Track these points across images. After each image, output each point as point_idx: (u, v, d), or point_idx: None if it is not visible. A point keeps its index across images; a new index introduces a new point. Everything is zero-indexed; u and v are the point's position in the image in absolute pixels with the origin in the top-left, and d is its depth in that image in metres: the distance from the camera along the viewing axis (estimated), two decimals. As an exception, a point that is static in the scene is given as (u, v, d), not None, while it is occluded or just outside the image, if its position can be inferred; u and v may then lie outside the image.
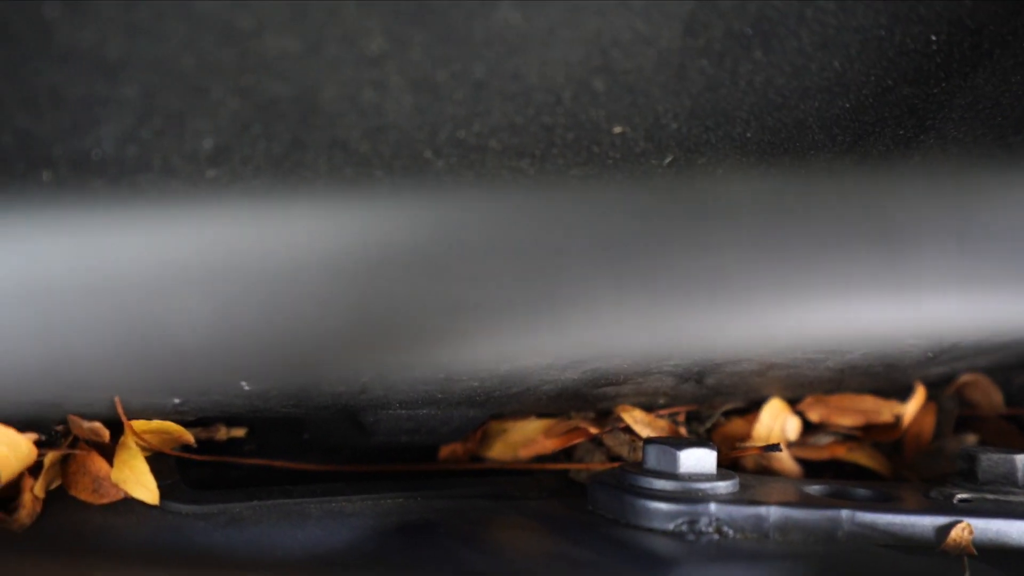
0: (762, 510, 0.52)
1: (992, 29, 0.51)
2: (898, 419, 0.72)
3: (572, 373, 0.55)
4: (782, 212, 0.36)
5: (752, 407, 0.73)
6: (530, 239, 0.34)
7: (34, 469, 0.51)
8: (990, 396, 0.74)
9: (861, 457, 0.73)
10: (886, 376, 0.71)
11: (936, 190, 0.39)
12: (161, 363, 0.43)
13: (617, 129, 0.50)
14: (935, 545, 0.52)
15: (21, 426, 0.49)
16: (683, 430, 0.70)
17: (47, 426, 0.52)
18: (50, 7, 0.35)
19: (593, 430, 0.67)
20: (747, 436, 0.71)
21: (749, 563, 0.48)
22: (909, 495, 0.57)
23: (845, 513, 0.53)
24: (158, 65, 0.39)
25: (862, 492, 0.59)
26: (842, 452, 0.73)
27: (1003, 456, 0.58)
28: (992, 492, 0.57)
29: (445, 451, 0.70)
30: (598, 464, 0.67)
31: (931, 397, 0.74)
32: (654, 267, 0.34)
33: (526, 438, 0.69)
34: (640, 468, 0.56)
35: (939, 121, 0.57)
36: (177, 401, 0.52)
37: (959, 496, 0.56)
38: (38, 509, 0.50)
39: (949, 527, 0.52)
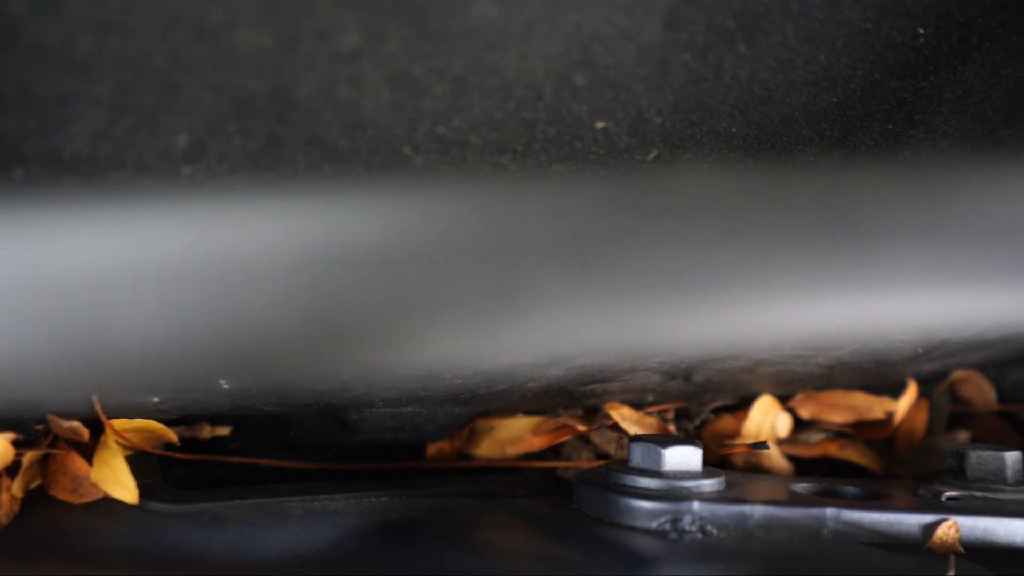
0: (746, 508, 0.52)
1: (981, 22, 0.50)
2: (890, 416, 0.72)
3: (557, 370, 0.55)
4: (765, 207, 0.36)
5: (742, 404, 0.72)
6: (505, 236, 0.34)
7: (13, 469, 0.50)
8: (983, 392, 0.74)
9: (852, 454, 0.72)
10: (877, 372, 0.70)
11: (921, 185, 0.38)
12: (138, 361, 0.42)
13: (599, 124, 0.49)
14: (922, 543, 0.52)
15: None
16: (672, 427, 0.69)
17: (26, 425, 0.52)
18: (16, 3, 0.35)
19: (581, 428, 0.67)
20: (737, 433, 0.71)
21: (731, 561, 0.48)
22: (897, 493, 0.57)
23: (830, 511, 0.52)
24: (130, 62, 0.38)
25: (850, 490, 0.58)
26: (833, 449, 0.72)
27: (992, 453, 0.57)
28: (981, 490, 0.56)
29: (432, 449, 0.69)
30: (586, 462, 0.67)
31: (923, 393, 0.74)
32: (633, 263, 0.34)
33: (513, 436, 0.68)
34: (625, 466, 0.56)
35: (928, 115, 0.56)
36: (156, 400, 0.51)
37: (947, 494, 0.56)
38: (16, 509, 0.50)
39: (935, 525, 0.52)
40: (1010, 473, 0.57)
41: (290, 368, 0.45)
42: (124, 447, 0.55)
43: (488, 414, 0.70)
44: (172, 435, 0.57)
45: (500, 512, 0.57)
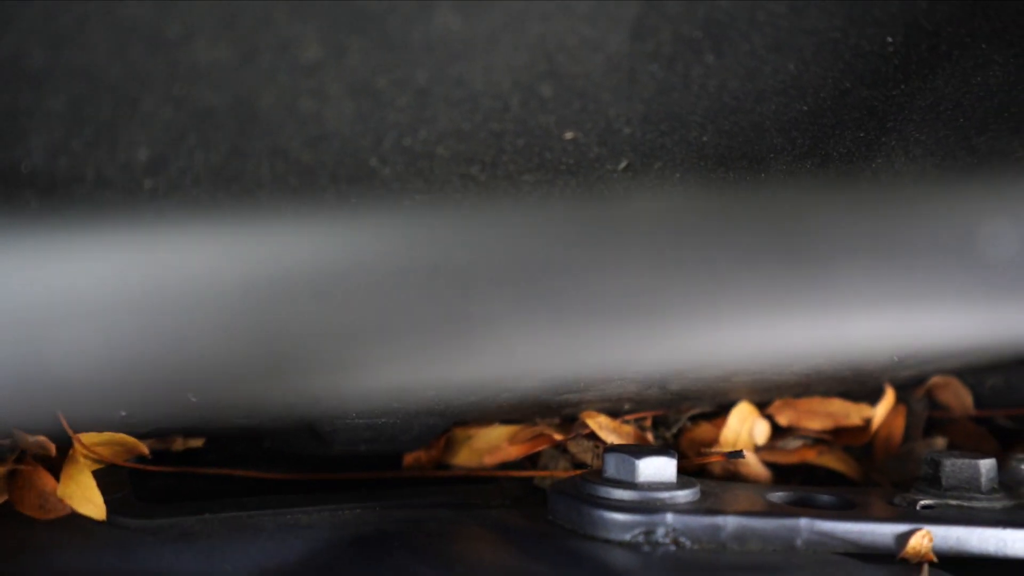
0: (719, 520, 0.51)
1: (949, 31, 0.50)
2: (867, 422, 0.72)
3: (529, 382, 0.55)
4: (735, 223, 0.35)
5: (720, 411, 0.72)
6: (466, 258, 0.34)
7: (-22, 485, 0.50)
8: (960, 398, 0.74)
9: (831, 461, 0.72)
10: (854, 379, 0.70)
11: (886, 202, 0.38)
12: (101, 376, 0.42)
13: (568, 135, 0.49)
14: (895, 553, 0.52)
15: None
16: (650, 435, 0.69)
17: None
18: (-34, 17, 0.35)
19: (558, 436, 0.67)
20: (715, 440, 0.70)
21: (704, 574, 0.48)
22: (872, 501, 0.57)
23: (804, 521, 0.52)
24: (85, 74, 0.38)
25: (825, 499, 0.58)
26: (812, 456, 0.72)
27: (967, 461, 0.57)
28: (955, 498, 0.56)
29: (409, 458, 0.69)
30: (562, 471, 0.66)
31: (901, 399, 0.74)
32: (599, 284, 0.33)
33: (490, 445, 0.68)
34: (599, 477, 0.55)
35: (900, 123, 0.56)
36: (123, 413, 0.51)
37: (922, 502, 0.56)
38: (-19, 526, 0.49)
39: (909, 534, 0.52)
40: (984, 481, 0.57)
41: (259, 383, 0.45)
42: (94, 460, 0.55)
43: (465, 423, 0.69)
44: (143, 448, 0.56)
45: (474, 524, 0.57)
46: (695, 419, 0.72)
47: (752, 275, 0.32)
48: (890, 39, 0.49)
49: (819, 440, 0.73)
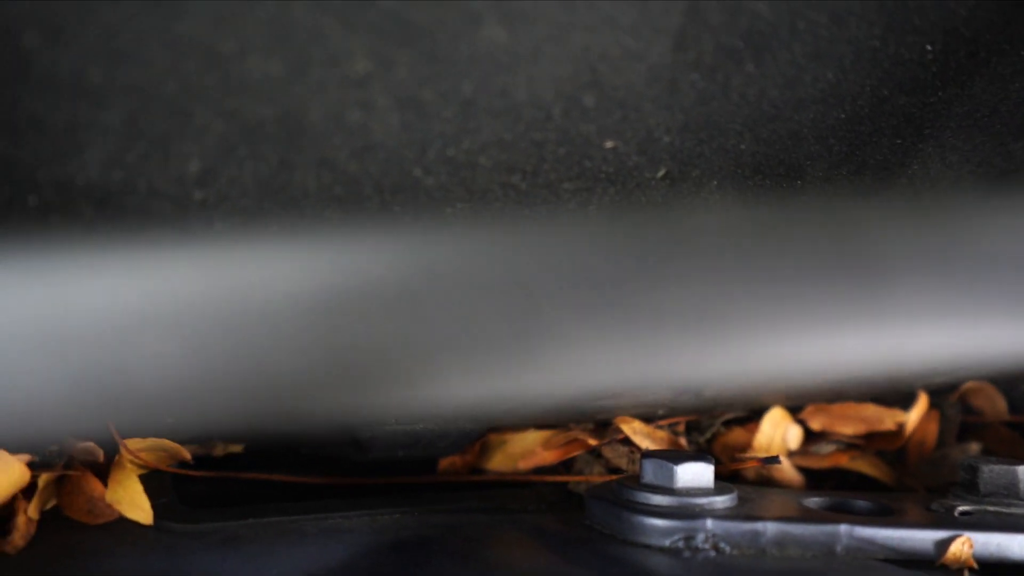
0: (759, 526, 0.52)
1: (988, 37, 0.50)
2: (901, 427, 0.72)
3: (578, 392, 0.55)
4: (767, 239, 0.36)
5: (753, 416, 0.72)
6: (502, 276, 0.34)
7: (28, 490, 0.51)
8: (994, 403, 0.74)
9: (864, 466, 0.72)
10: (888, 385, 0.70)
11: (930, 219, 0.38)
12: (152, 395, 0.43)
13: (609, 144, 0.49)
14: (935, 559, 0.52)
15: (13, 447, 0.49)
16: (683, 440, 0.69)
17: (41, 447, 0.52)
18: (29, 37, 0.35)
19: (592, 442, 0.67)
20: (748, 445, 0.70)
21: (745, 581, 0.48)
22: (910, 507, 0.57)
23: (844, 528, 0.52)
24: (141, 90, 0.39)
25: (862, 504, 0.58)
26: (844, 461, 0.72)
27: (1005, 467, 0.57)
28: (993, 504, 0.56)
29: (444, 463, 0.69)
30: (597, 476, 0.67)
31: (934, 404, 0.74)
32: (643, 301, 0.34)
33: (525, 450, 0.68)
34: (637, 482, 0.56)
35: (937, 129, 0.56)
36: (171, 421, 0.51)
37: (960, 509, 0.56)
38: (32, 531, 0.50)
39: (949, 541, 0.52)
40: (1022, 487, 0.56)
41: (301, 401, 0.45)
42: (138, 466, 0.55)
43: (500, 429, 0.70)
44: (186, 453, 0.57)
45: (512, 529, 0.58)
46: (728, 424, 0.73)
47: (802, 288, 0.32)
48: (929, 47, 0.50)
49: (852, 445, 0.73)
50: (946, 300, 0.35)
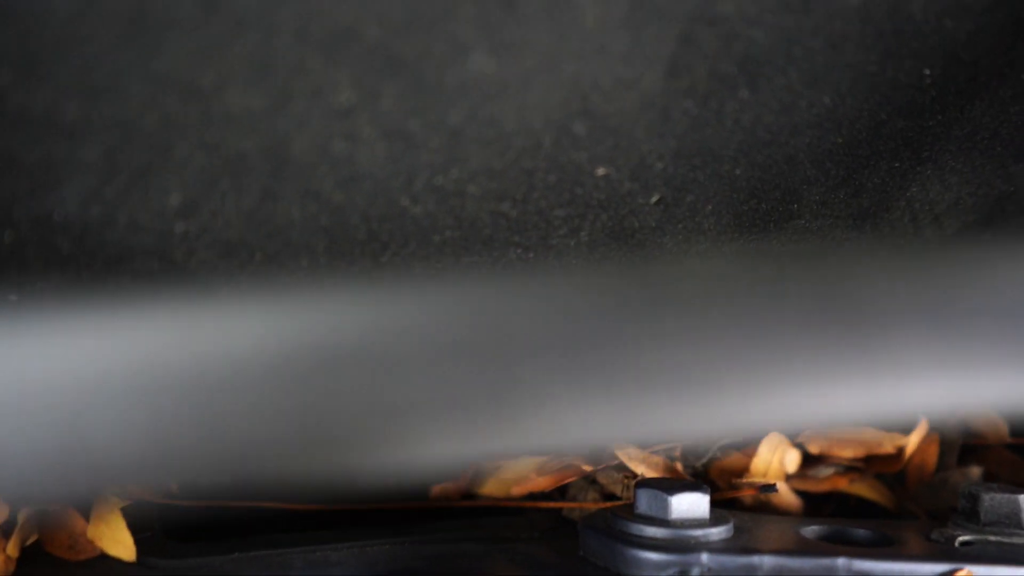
0: (755, 559, 0.51)
1: (988, 62, 0.49)
2: (900, 450, 0.70)
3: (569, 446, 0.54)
4: (752, 293, 0.34)
5: (750, 440, 0.71)
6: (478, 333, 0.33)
7: (8, 526, 0.50)
8: (995, 426, 0.73)
9: (863, 489, 0.71)
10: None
11: (928, 271, 0.37)
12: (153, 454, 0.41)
13: (600, 171, 0.48)
14: (936, 593, 0.51)
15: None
16: (679, 466, 0.68)
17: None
18: (2, 73, 0.34)
19: (586, 467, 0.66)
20: (745, 470, 0.69)
21: (742, 619, 0.47)
22: (909, 537, 0.56)
23: (841, 561, 0.51)
24: (120, 125, 0.38)
25: (861, 534, 0.57)
26: (843, 484, 0.71)
27: (1006, 496, 0.56)
28: (995, 534, 0.55)
29: (437, 489, 0.68)
30: (591, 503, 0.65)
31: (934, 427, 0.73)
32: (630, 358, 0.33)
33: (518, 476, 0.67)
34: (631, 512, 0.55)
35: (936, 152, 0.55)
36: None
37: (961, 539, 0.55)
38: (11, 569, 0.49)
39: (950, 575, 0.51)
40: (1025, 517, 0.55)
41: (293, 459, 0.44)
42: (123, 496, 0.54)
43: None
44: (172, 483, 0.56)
45: (504, 560, 0.57)
46: (725, 448, 0.71)
47: (793, 345, 0.31)
48: (928, 71, 0.49)
49: (851, 468, 0.72)
50: (940, 351, 0.34)
